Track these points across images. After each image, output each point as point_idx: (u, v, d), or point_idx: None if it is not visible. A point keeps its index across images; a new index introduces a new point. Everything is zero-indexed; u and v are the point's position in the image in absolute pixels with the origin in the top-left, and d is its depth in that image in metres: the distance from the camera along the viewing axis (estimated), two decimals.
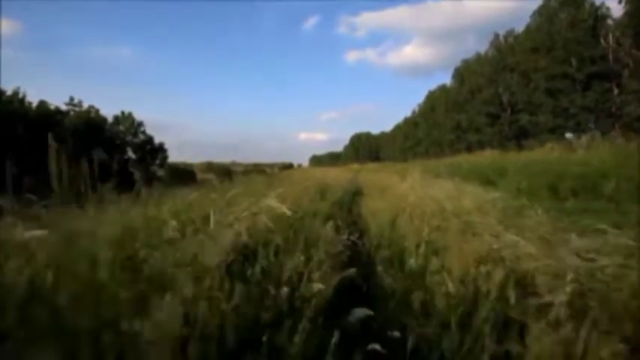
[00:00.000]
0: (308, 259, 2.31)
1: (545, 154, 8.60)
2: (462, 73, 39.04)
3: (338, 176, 17.96)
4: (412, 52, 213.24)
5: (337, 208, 5.92)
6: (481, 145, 31.17)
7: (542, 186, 6.07)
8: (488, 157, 12.59)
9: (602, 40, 25.99)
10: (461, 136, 36.90)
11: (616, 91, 25.50)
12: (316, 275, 2.17)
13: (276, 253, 2.34)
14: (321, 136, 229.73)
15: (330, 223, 3.42)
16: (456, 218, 3.28)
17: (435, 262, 2.40)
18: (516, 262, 2.32)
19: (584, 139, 8.67)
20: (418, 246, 2.79)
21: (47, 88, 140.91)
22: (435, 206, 4.19)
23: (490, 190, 6.30)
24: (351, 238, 3.32)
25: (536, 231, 3.06)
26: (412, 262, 2.54)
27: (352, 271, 2.37)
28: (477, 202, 4.06)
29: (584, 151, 7.05)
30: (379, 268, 2.63)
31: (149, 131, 46.18)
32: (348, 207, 7.14)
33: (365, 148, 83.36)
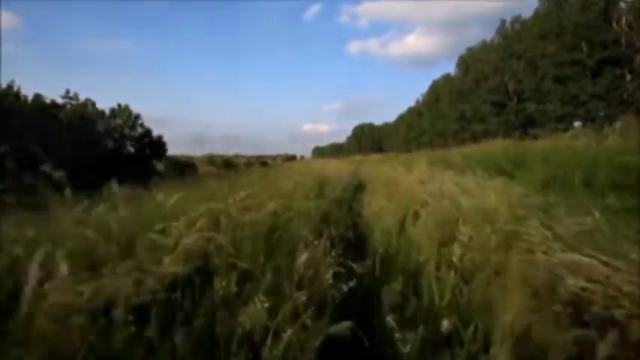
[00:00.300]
0: (278, 302, 1.53)
1: (568, 141, 7.77)
2: (467, 61, 38.00)
3: (339, 168, 17.32)
4: (415, 42, 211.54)
5: (335, 207, 5.15)
6: (486, 135, 30.29)
7: (571, 179, 5.27)
8: (499, 145, 11.75)
9: (614, 24, 24.87)
10: (465, 126, 36.06)
11: (628, 77, 24.47)
12: (288, 333, 1.41)
13: (237, 285, 1.56)
14: (323, 127, 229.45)
15: (321, 239, 2.56)
16: (487, 225, 2.49)
17: (472, 298, 1.63)
18: (590, 298, 1.56)
19: (618, 124, 7.84)
20: (439, 267, 2.03)
21: (46, 82, 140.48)
22: (452, 206, 3.41)
23: (508, 184, 5.54)
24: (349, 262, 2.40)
25: (594, 243, 2.30)
26: (445, 324, 1.73)
27: (346, 325, 1.58)
28: (505, 201, 3.28)
29: (617, 138, 6.24)
30: (389, 319, 1.81)
31: (150, 124, 45.46)
32: (348, 205, 6.36)
33: (368, 139, 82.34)
